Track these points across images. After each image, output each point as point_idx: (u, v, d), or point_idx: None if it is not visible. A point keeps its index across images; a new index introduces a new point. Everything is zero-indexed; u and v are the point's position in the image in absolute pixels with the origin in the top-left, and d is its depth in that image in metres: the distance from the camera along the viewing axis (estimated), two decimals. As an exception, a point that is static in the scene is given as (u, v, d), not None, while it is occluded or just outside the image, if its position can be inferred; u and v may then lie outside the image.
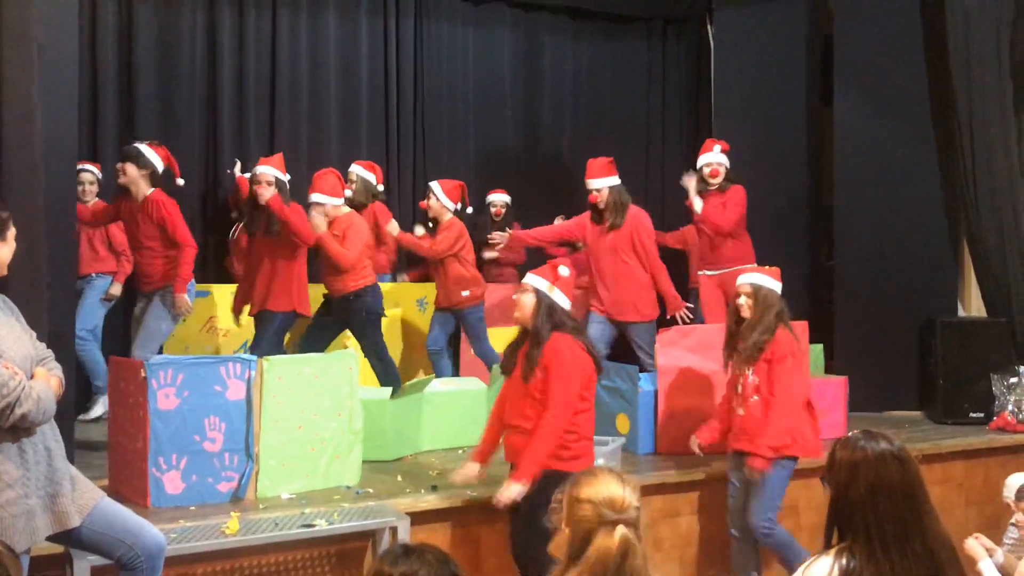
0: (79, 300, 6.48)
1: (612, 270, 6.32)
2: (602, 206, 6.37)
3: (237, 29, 7.81)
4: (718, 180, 6.83)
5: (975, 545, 3.88)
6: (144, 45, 7.44)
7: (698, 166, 6.92)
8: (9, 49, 4.46)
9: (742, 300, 4.89)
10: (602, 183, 6.37)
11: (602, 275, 6.36)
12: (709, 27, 9.17)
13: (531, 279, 4.37)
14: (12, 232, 3.31)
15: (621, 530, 2.38)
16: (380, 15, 8.36)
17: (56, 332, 4.32)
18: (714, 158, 6.84)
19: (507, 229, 7.85)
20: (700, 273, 7.01)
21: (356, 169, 7.25)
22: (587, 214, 6.51)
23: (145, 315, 5.74)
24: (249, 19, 7.83)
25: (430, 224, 7.24)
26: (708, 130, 8.91)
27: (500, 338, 7.24)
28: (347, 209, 6.38)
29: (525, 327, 4.37)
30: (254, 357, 4.82)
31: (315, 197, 6.18)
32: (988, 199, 7.14)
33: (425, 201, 7.00)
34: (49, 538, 3.30)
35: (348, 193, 7.03)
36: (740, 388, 4.89)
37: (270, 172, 5.98)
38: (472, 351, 7.01)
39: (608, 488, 2.43)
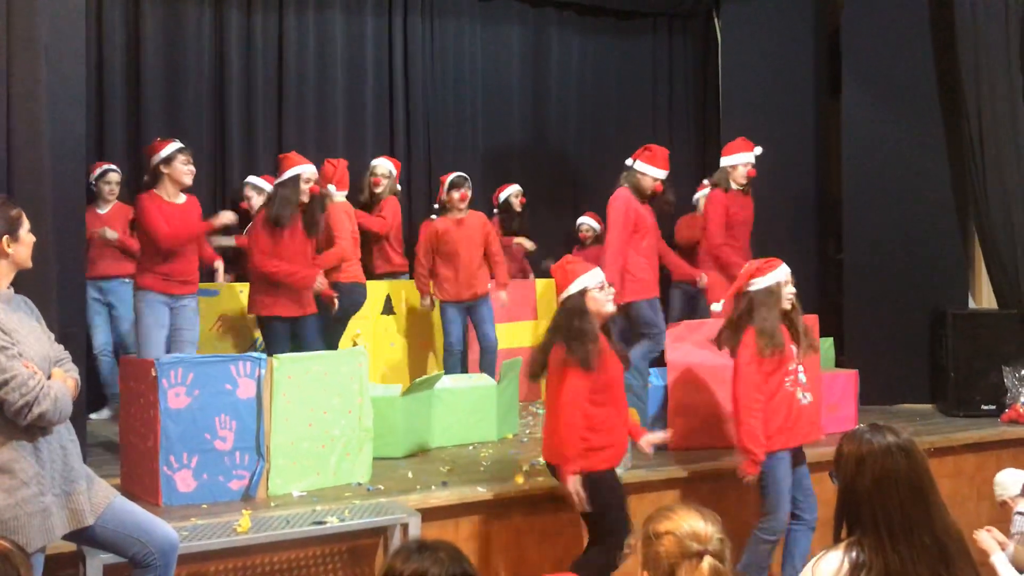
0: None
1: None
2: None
3: (244, 29, 7.82)
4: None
5: (987, 538, 3.87)
6: (151, 46, 7.46)
7: (732, 164, 6.73)
8: (16, 52, 4.48)
9: (794, 289, 4.83)
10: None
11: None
12: (716, 21, 9.15)
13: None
14: (26, 228, 3.33)
15: (709, 560, 2.22)
16: (386, 12, 8.36)
17: (66, 333, 4.33)
18: (752, 158, 6.73)
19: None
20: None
21: (387, 164, 7.39)
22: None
23: (185, 324, 5.64)
24: (256, 19, 7.84)
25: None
26: (716, 124, 8.91)
27: (514, 333, 7.29)
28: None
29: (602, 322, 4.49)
30: (264, 356, 4.83)
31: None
32: (998, 189, 7.11)
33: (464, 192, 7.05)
34: (63, 536, 3.32)
35: (378, 189, 7.29)
36: (804, 378, 4.84)
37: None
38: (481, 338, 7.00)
39: (689, 521, 2.29)
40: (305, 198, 5.89)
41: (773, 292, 4.74)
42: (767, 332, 4.66)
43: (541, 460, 4.94)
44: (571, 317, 4.35)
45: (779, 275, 4.77)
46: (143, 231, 5.59)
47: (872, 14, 7.53)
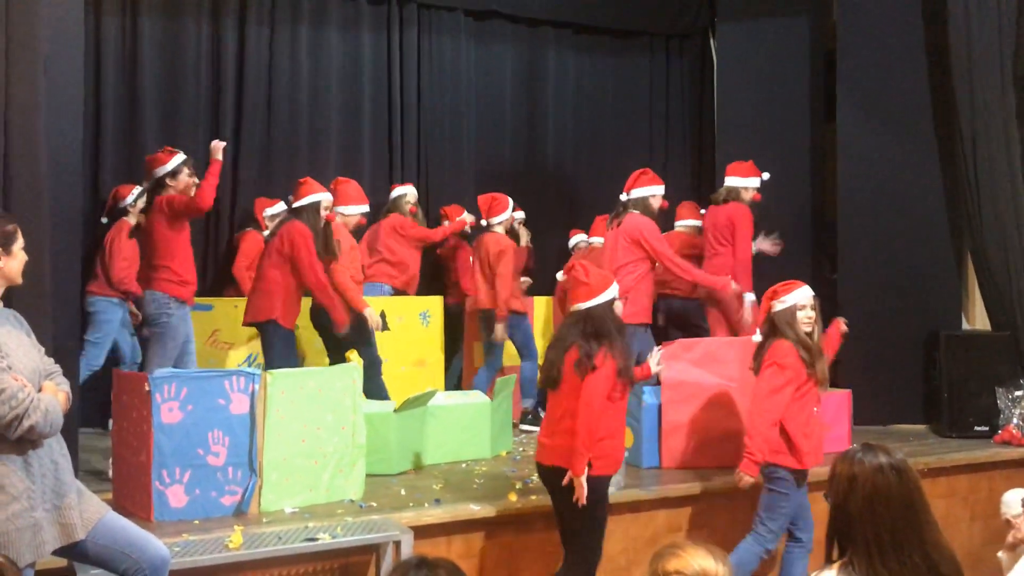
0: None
1: None
2: None
3: (240, 44, 7.83)
4: None
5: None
6: (148, 60, 7.47)
7: (744, 186, 6.84)
8: (15, 62, 4.48)
9: (813, 314, 4.86)
10: None
11: None
12: (712, 42, 9.20)
13: None
14: (19, 244, 3.32)
15: None
16: (383, 30, 8.39)
17: (60, 347, 4.32)
18: (759, 183, 6.88)
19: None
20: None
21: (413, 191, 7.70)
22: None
23: (189, 331, 5.69)
24: (252, 35, 7.85)
25: None
26: (711, 144, 8.96)
27: (509, 350, 7.27)
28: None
29: None
30: (258, 371, 4.82)
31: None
32: (991, 212, 7.14)
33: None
34: (54, 552, 3.31)
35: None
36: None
37: None
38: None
39: (697, 559, 2.32)
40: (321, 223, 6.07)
41: (790, 313, 4.83)
42: (801, 344, 4.77)
43: (535, 478, 4.91)
44: (607, 322, 4.36)
45: (797, 297, 4.85)
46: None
47: (867, 38, 7.57)
